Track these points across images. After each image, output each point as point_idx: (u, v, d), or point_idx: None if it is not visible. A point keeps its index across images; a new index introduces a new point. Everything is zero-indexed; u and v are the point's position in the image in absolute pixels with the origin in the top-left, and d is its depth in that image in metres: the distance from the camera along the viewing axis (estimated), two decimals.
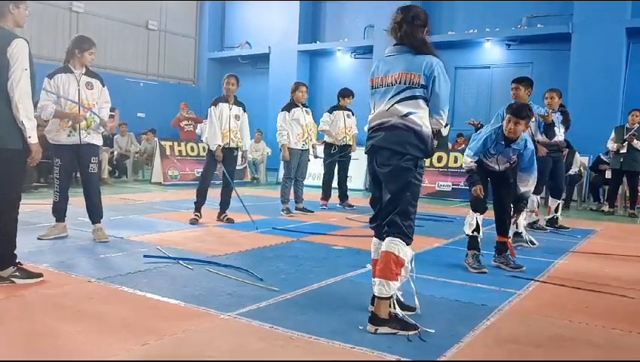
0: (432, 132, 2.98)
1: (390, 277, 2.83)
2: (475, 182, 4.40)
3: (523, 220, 5.53)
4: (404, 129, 2.90)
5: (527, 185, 4.65)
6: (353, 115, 8.36)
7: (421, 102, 2.91)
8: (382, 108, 2.99)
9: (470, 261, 4.39)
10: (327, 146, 8.25)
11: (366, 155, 3.15)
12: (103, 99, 5.02)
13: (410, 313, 3.03)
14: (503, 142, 4.35)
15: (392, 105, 2.93)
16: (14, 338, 2.63)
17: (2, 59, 3.33)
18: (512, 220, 4.73)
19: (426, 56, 2.92)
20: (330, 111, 8.27)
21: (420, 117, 2.91)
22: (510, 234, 4.76)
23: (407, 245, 2.89)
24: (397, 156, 2.89)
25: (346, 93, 8.25)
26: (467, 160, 4.49)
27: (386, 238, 2.91)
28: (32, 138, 3.45)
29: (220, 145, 6.17)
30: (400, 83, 2.92)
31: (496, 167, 4.50)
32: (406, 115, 2.89)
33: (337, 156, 8.22)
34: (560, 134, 6.55)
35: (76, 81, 4.83)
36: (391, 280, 2.83)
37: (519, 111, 4.24)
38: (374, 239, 3.17)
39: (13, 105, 3.36)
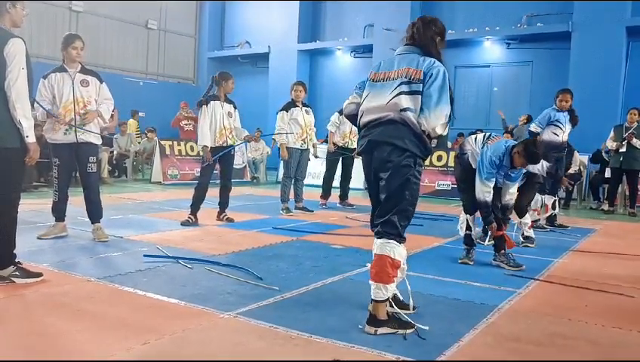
0: (428, 134, 2.88)
1: (387, 280, 2.79)
2: (491, 221, 4.44)
3: (528, 221, 5.55)
4: (402, 124, 2.83)
5: (511, 193, 4.65)
6: None
7: (420, 98, 2.86)
8: (380, 102, 2.93)
9: (462, 254, 4.64)
10: (330, 152, 8.26)
11: (361, 155, 3.03)
12: (102, 96, 5.01)
13: (408, 312, 3.01)
14: (507, 166, 4.38)
15: (392, 98, 2.88)
16: (14, 337, 2.63)
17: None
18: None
19: (433, 58, 2.92)
20: (341, 112, 8.22)
21: (417, 116, 2.85)
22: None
23: (401, 243, 2.84)
24: (397, 152, 2.82)
25: None
26: (484, 189, 4.33)
27: (379, 240, 2.85)
28: (30, 137, 3.45)
29: (207, 146, 6.02)
30: (402, 77, 2.90)
31: None
32: (404, 110, 2.84)
33: (339, 156, 8.25)
34: (565, 134, 6.60)
35: (70, 80, 4.83)
36: (388, 283, 2.80)
37: (535, 160, 4.39)
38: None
39: (11, 104, 3.35)
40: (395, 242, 2.81)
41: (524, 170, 4.74)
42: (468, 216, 4.62)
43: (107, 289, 3.48)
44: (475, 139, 4.60)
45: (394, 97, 2.88)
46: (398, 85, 2.89)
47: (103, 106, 4.99)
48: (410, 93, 2.87)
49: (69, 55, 4.82)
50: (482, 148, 4.43)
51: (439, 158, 10.49)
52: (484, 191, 4.35)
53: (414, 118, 2.84)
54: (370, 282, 2.85)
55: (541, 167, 5.25)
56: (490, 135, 4.58)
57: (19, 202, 3.56)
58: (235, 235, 5.61)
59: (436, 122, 2.83)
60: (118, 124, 12.00)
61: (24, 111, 3.39)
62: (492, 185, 4.38)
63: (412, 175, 2.84)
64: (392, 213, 2.83)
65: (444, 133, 2.92)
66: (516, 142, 4.49)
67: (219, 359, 2.44)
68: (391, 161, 2.83)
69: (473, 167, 4.48)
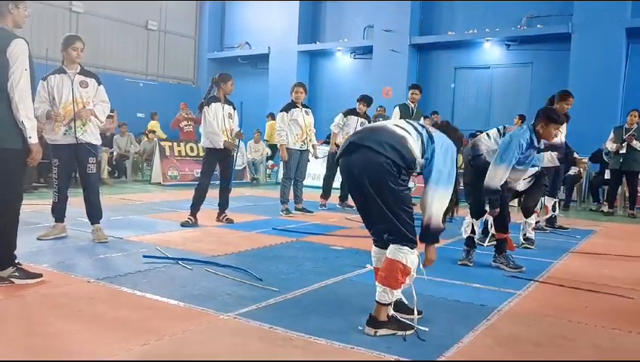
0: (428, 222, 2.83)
1: (394, 286, 2.75)
2: (496, 206, 4.37)
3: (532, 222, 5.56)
4: (389, 131, 2.81)
5: (518, 176, 4.59)
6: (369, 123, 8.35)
7: (420, 146, 2.81)
8: (380, 123, 3.02)
9: (462, 256, 4.63)
10: (331, 154, 8.26)
11: (340, 158, 2.92)
12: (99, 97, 5.02)
13: (417, 317, 2.95)
14: (536, 145, 4.32)
15: (394, 122, 2.94)
16: (14, 338, 2.63)
17: (2, 59, 3.33)
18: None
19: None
20: (346, 114, 8.20)
21: (408, 139, 2.78)
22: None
23: (413, 249, 2.77)
24: (376, 159, 2.70)
25: (364, 99, 8.07)
26: (500, 175, 4.21)
27: (391, 245, 2.78)
28: (33, 138, 3.45)
29: (226, 140, 6.16)
30: (416, 122, 2.97)
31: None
32: (401, 128, 2.84)
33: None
34: (563, 135, 6.60)
35: (70, 80, 4.83)
36: (395, 288, 2.77)
37: (560, 119, 4.29)
38: (374, 248, 3.05)
39: (14, 105, 3.35)
40: (407, 248, 2.75)
41: (535, 167, 4.73)
42: (474, 219, 4.57)
43: (107, 290, 3.48)
44: (488, 135, 4.55)
45: (396, 122, 2.92)
46: (409, 122, 2.94)
47: (98, 107, 5.00)
48: (417, 132, 2.85)
49: (69, 56, 4.83)
50: (503, 137, 4.38)
51: None
52: (500, 177, 4.20)
53: (406, 140, 2.77)
54: (377, 284, 2.82)
55: (551, 157, 5.25)
56: (504, 126, 4.58)
57: (20, 203, 3.56)
58: (235, 236, 5.61)
59: (440, 202, 2.80)
60: (119, 125, 12.02)
61: (27, 112, 3.39)
62: (508, 172, 4.23)
63: (395, 183, 2.71)
64: (394, 225, 2.74)
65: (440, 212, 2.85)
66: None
67: (219, 360, 2.44)
68: (372, 171, 2.73)
69: None
